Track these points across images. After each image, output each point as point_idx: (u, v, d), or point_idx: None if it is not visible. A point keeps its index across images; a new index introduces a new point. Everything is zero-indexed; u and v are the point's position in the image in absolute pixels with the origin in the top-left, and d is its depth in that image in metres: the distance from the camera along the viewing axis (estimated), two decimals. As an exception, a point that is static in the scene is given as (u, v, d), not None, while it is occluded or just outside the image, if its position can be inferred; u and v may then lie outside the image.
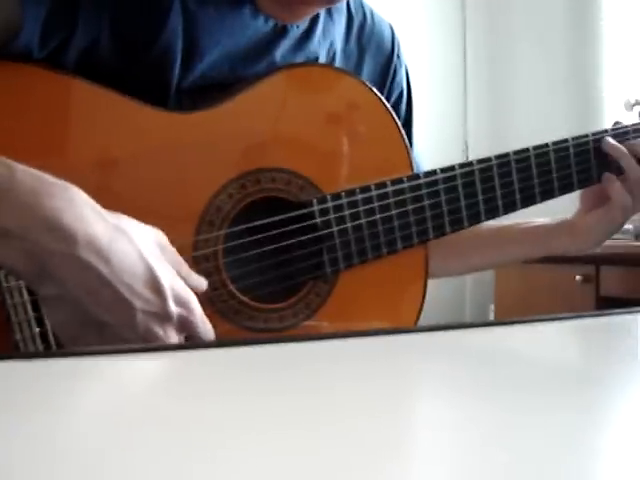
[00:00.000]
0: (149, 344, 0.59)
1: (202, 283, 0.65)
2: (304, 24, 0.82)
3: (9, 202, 0.54)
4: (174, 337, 0.60)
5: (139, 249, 0.58)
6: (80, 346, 0.58)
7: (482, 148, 2.78)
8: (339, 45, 0.87)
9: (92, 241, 0.55)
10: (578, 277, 2.06)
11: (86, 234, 0.55)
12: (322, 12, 0.84)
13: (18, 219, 0.54)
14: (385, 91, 0.91)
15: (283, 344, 0.51)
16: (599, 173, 0.87)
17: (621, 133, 0.88)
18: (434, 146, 2.42)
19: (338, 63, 0.87)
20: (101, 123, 0.70)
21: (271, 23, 0.79)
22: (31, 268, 0.55)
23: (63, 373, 0.41)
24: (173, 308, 0.59)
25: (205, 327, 0.62)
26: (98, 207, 0.58)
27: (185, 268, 0.63)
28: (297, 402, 0.34)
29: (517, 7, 2.79)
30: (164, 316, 0.58)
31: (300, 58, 0.82)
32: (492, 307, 2.49)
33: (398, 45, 0.94)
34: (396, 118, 0.81)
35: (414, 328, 0.77)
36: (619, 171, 0.87)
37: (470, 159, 0.83)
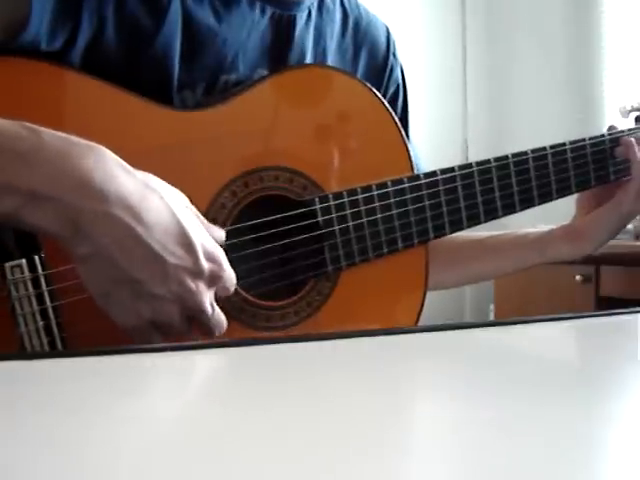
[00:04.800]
0: (151, 344, 0.59)
1: (222, 235, 0.66)
2: (301, 16, 0.83)
3: (39, 165, 0.55)
4: (205, 292, 0.60)
5: (170, 206, 0.58)
6: (113, 304, 0.58)
7: (482, 148, 2.78)
8: (333, 42, 0.88)
9: (124, 198, 0.56)
10: (578, 277, 2.06)
11: (117, 192, 0.56)
12: (314, 9, 0.85)
13: (49, 181, 0.54)
14: (382, 89, 0.91)
15: (283, 344, 0.51)
16: (597, 177, 0.88)
17: (617, 138, 0.89)
18: (434, 146, 2.42)
19: (332, 59, 0.87)
20: (104, 120, 0.70)
21: (268, 13, 0.80)
22: (65, 229, 0.56)
23: (67, 373, 0.41)
24: (204, 263, 0.59)
25: (232, 281, 0.63)
26: (127, 165, 0.58)
27: (206, 224, 0.64)
28: (298, 401, 0.34)
29: (517, 8, 2.78)
30: (196, 272, 0.59)
31: (295, 50, 0.83)
32: (492, 307, 2.48)
33: (393, 43, 0.94)
34: (396, 118, 0.82)
35: (414, 328, 0.77)
36: (616, 175, 0.88)
37: (470, 159, 0.84)
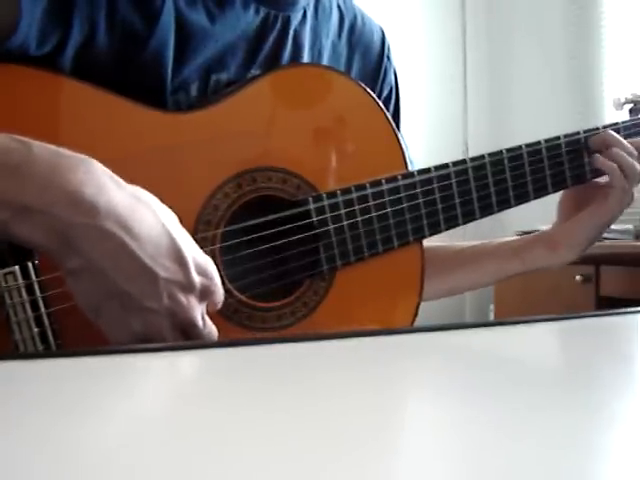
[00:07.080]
0: (149, 344, 0.58)
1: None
2: (296, 16, 0.82)
3: (28, 177, 0.54)
4: (197, 306, 0.59)
5: (161, 219, 0.58)
6: (103, 318, 0.57)
7: (482, 149, 2.77)
8: (328, 43, 0.88)
9: (114, 211, 0.55)
10: (578, 277, 2.05)
11: (108, 204, 0.55)
12: (309, 10, 0.85)
13: (38, 194, 0.54)
14: (375, 91, 0.92)
15: (280, 344, 0.51)
16: (592, 170, 0.88)
17: (612, 130, 0.89)
18: (434, 147, 2.42)
19: (327, 61, 0.87)
20: (96, 124, 0.70)
21: (262, 13, 0.80)
22: (54, 242, 0.55)
23: (64, 373, 0.41)
24: (196, 277, 0.58)
25: (221, 297, 0.62)
26: (117, 178, 0.57)
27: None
28: (295, 402, 0.34)
29: (517, 9, 2.79)
30: (188, 286, 0.58)
31: (289, 50, 0.82)
32: (492, 307, 2.49)
33: (388, 47, 0.95)
34: (390, 118, 0.82)
35: (413, 328, 0.77)
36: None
37: (468, 159, 0.84)
